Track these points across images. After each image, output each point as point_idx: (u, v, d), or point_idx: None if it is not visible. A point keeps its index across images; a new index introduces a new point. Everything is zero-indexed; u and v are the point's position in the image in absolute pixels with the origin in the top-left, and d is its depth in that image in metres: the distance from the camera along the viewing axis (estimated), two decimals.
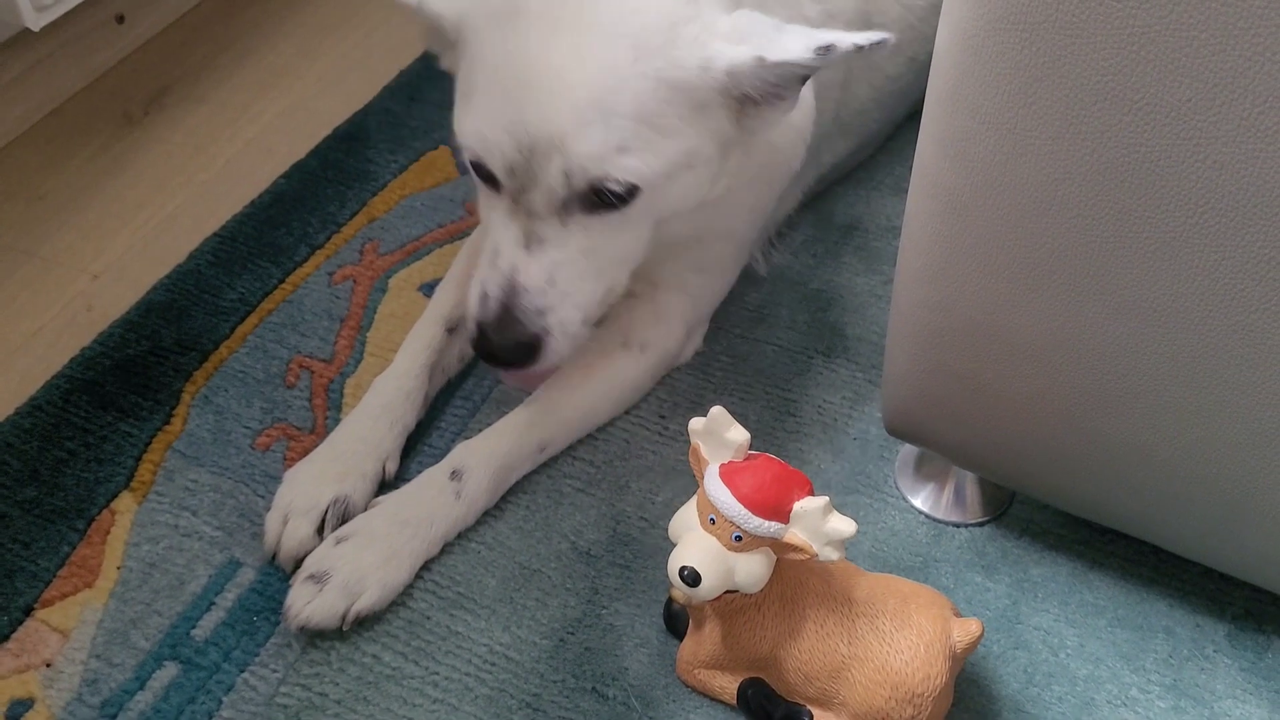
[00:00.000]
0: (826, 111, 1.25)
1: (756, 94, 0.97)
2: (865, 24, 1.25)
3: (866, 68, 1.31)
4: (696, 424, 0.88)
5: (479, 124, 0.95)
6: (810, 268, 1.36)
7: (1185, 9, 0.65)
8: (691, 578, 0.84)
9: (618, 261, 1.02)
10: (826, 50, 0.91)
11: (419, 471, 1.11)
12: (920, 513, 1.11)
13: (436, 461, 1.11)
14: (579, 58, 0.91)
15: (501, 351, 0.98)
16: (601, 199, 0.95)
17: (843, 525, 0.82)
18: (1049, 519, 1.10)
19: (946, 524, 1.10)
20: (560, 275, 0.97)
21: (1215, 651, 1.00)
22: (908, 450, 1.15)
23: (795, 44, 0.92)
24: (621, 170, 0.93)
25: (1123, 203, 0.74)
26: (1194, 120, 0.69)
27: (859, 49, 0.91)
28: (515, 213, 0.97)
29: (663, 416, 1.20)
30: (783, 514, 0.84)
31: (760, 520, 0.83)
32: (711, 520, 0.85)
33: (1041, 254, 0.81)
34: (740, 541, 0.84)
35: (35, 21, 1.33)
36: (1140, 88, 0.69)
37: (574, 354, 1.03)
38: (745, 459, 0.87)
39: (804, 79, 0.99)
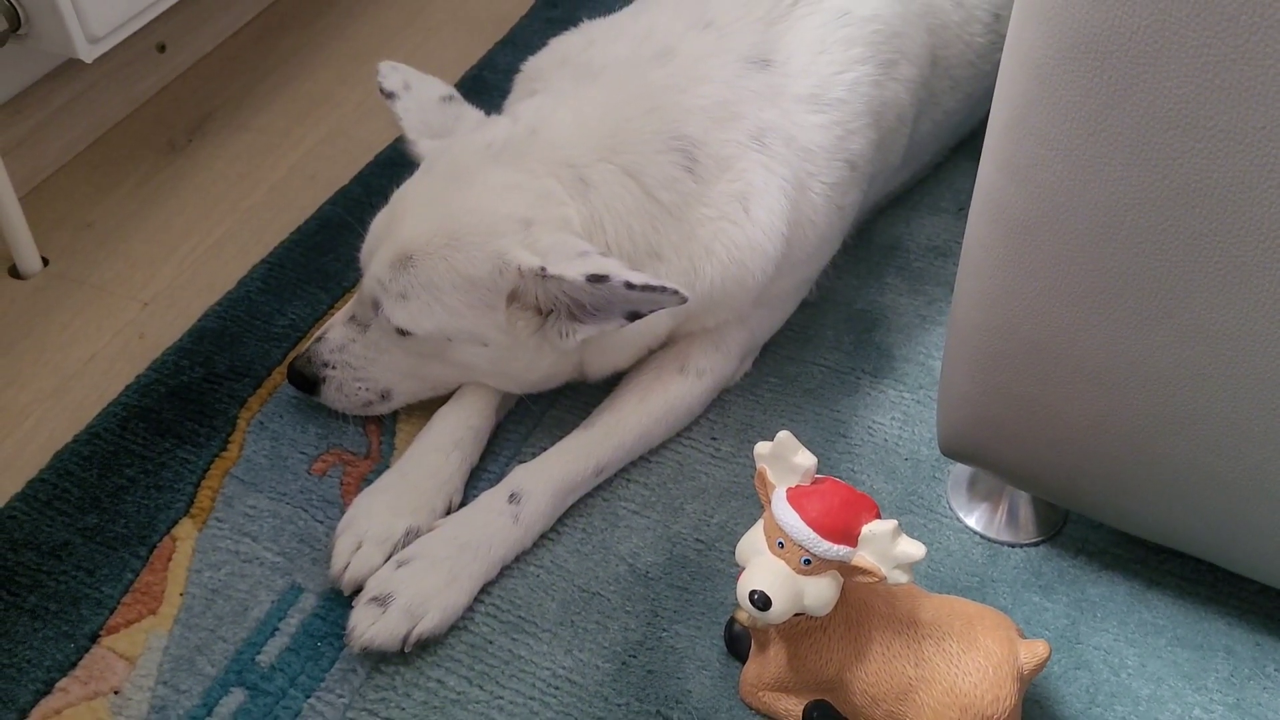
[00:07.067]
0: (896, 152, 1.31)
1: (553, 304, 1.06)
2: (932, 60, 1.30)
3: (930, 103, 1.34)
4: (763, 448, 0.88)
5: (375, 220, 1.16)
6: (854, 288, 1.37)
7: (1262, 39, 0.66)
8: (762, 601, 0.85)
9: (400, 373, 1.17)
10: (597, 279, 1.00)
11: (473, 494, 1.12)
12: (974, 533, 1.11)
13: (490, 484, 1.12)
14: (419, 218, 1.09)
15: (290, 371, 1.20)
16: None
17: (912, 548, 0.83)
18: (1104, 539, 1.10)
19: (1001, 544, 1.10)
20: (349, 350, 1.17)
21: (1277, 670, 1.00)
22: (960, 470, 1.15)
23: (572, 266, 1.01)
24: (392, 311, 1.10)
25: (1193, 228, 0.75)
26: (1267, 147, 0.69)
27: (629, 286, 1.00)
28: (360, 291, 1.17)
29: (714, 439, 1.20)
30: (851, 537, 0.84)
31: (829, 544, 0.84)
32: (780, 544, 0.86)
33: (1108, 278, 0.81)
34: (809, 565, 0.85)
35: (88, 54, 1.34)
36: (1213, 114, 0.70)
37: (350, 407, 1.20)
38: (812, 483, 0.87)
39: (625, 309, 1.04)
